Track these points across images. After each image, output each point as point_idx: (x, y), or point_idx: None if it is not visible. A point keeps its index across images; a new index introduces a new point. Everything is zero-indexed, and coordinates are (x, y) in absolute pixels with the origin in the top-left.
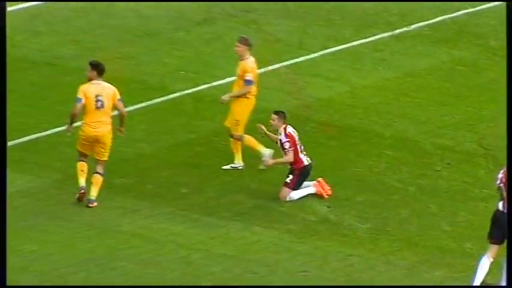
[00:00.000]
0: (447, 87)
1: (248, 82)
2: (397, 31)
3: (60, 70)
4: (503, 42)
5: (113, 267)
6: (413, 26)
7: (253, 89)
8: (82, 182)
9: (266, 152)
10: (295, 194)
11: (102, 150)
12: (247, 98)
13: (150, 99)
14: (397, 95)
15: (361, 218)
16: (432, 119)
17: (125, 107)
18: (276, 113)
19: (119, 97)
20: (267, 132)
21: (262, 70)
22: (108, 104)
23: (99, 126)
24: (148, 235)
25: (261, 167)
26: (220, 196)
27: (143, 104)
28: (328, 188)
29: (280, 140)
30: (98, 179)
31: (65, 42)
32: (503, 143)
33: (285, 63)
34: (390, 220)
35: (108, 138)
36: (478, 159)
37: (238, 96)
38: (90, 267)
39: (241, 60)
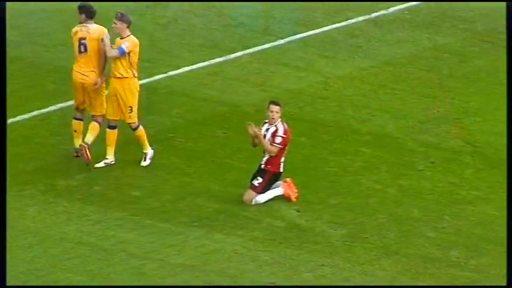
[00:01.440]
0: (430, 77)
1: (121, 50)
2: (374, 15)
3: None
4: (491, 27)
5: (56, 279)
6: (391, 9)
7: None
8: (77, 143)
9: (151, 150)
10: (261, 197)
11: (94, 101)
12: (133, 77)
13: None
14: (375, 87)
15: (335, 224)
16: (414, 113)
17: (70, 99)
18: (277, 103)
19: (103, 36)
20: (262, 138)
21: (224, 59)
22: (91, 48)
23: (85, 73)
24: (96, 243)
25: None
26: (177, 199)
27: None
28: (295, 190)
29: (274, 132)
30: (93, 126)
31: None
32: (492, 139)
33: (249, 51)
34: (367, 226)
35: (96, 89)
36: (464, 157)
37: (121, 78)
38: (31, 279)
39: (124, 38)
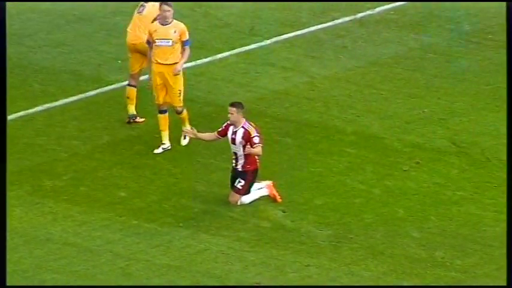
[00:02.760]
0: (416, 77)
1: (188, 43)
2: (360, 15)
3: None
4: (478, 27)
5: (42, 280)
6: (377, 9)
7: None
8: (130, 109)
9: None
10: (247, 198)
11: (141, 59)
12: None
13: (84, 92)
14: (361, 87)
15: (321, 224)
16: (399, 113)
17: (56, 100)
18: (234, 104)
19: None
20: (198, 134)
21: (210, 59)
22: (148, 9)
23: (139, 33)
24: (81, 244)
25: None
26: (163, 200)
27: (76, 97)
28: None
29: (246, 135)
30: (130, 90)
31: None
32: (478, 139)
33: (235, 51)
34: (353, 226)
35: (145, 48)
36: (450, 157)
37: (172, 64)
38: (17, 280)
39: (168, 24)
